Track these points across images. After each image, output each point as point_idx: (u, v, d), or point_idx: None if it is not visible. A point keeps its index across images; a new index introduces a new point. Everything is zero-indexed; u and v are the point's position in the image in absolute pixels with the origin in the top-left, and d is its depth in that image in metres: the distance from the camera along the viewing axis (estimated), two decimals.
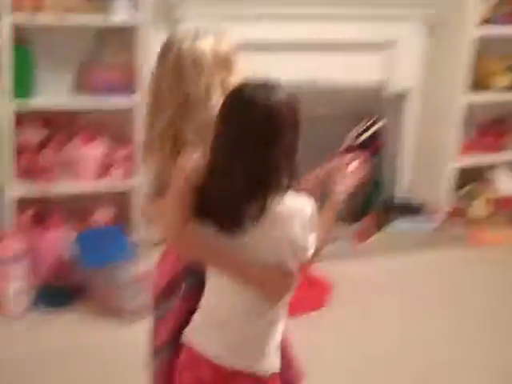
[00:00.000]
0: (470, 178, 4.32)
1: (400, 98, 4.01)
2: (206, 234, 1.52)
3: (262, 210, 1.47)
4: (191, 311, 1.65)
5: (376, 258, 3.74)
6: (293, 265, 1.56)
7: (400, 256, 3.78)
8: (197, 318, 1.65)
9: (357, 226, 3.82)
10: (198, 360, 1.61)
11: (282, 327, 1.64)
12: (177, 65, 1.61)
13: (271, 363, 1.63)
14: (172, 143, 1.62)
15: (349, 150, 3.78)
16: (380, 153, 3.91)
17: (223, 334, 1.58)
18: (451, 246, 3.92)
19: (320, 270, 3.38)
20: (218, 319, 1.59)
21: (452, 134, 4.04)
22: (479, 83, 4.02)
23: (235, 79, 1.62)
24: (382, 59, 3.93)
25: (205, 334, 1.61)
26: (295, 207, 1.53)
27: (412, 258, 3.80)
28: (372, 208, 3.98)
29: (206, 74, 1.60)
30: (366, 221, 3.86)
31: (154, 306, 1.80)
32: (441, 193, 4.13)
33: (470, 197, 4.23)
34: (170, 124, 1.62)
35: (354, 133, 3.83)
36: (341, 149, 3.81)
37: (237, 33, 1.78)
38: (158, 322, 1.78)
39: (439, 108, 4.09)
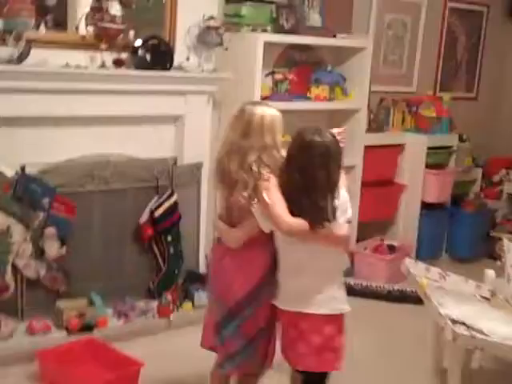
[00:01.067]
0: None
1: (194, 171, 4.11)
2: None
3: (334, 209, 2.38)
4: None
5: (182, 332, 3.74)
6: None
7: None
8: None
9: (161, 300, 3.84)
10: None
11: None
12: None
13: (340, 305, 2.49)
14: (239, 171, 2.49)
15: (148, 222, 3.85)
16: (177, 225, 4.01)
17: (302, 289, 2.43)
18: None
19: (127, 348, 3.34)
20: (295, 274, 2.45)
21: None
22: None
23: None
24: (174, 133, 4.05)
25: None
26: (343, 199, 2.46)
27: None
28: (174, 281, 4.03)
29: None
30: (170, 294, 3.90)
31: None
32: None
33: None
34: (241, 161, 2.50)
35: (150, 207, 3.90)
36: (141, 222, 3.85)
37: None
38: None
39: None
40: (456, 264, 5.36)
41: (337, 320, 2.47)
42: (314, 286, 2.43)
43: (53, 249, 3.52)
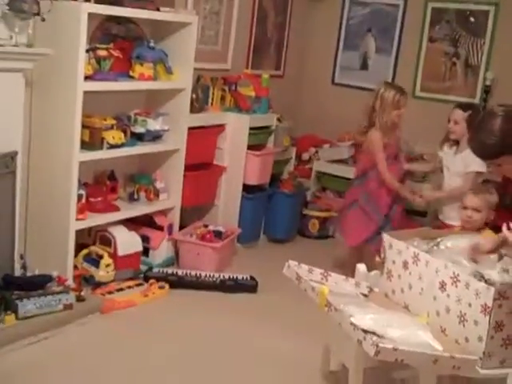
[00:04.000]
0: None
1: (7, 161, 3.54)
2: None
3: None
4: None
5: (8, 351, 3.24)
6: None
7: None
8: None
9: None
10: None
11: None
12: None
13: None
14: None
15: None
16: None
17: None
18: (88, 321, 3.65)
19: None
20: None
21: (70, 195, 3.75)
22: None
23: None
24: None
25: None
26: None
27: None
28: None
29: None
30: None
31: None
32: (64, 259, 3.80)
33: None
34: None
35: None
36: None
37: None
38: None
39: (50, 169, 3.78)
40: (273, 245, 5.35)
41: None
42: None
43: None
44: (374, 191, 4.33)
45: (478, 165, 3.86)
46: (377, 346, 2.23)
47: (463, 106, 4.14)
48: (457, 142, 4.10)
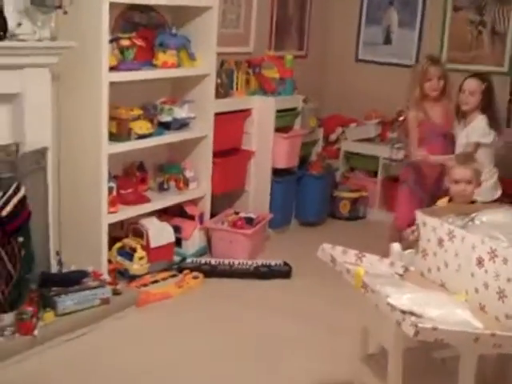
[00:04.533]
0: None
1: (39, 158, 3.50)
2: None
3: None
4: None
5: (47, 348, 3.23)
6: None
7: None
8: None
9: (19, 314, 3.26)
10: None
11: None
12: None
13: None
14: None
15: None
16: (27, 223, 3.42)
17: None
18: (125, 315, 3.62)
19: None
20: None
21: (100, 188, 3.71)
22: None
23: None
24: (11, 115, 3.41)
25: None
26: None
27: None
28: (28, 288, 3.44)
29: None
30: (28, 305, 3.32)
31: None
32: (98, 253, 3.77)
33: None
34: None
35: None
36: None
37: None
38: None
39: (80, 162, 3.74)
40: (305, 228, 5.29)
41: None
42: None
43: None
44: (420, 170, 4.19)
45: (479, 135, 3.77)
46: (416, 326, 2.17)
47: (478, 77, 3.99)
48: (464, 115, 3.98)
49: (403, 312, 2.31)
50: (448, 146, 4.10)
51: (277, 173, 5.00)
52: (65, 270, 3.63)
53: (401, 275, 2.82)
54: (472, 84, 3.93)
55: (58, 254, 3.69)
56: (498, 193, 3.93)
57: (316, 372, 3.18)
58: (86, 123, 3.69)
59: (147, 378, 3.10)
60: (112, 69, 3.69)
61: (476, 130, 3.84)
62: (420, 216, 2.82)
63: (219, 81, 4.56)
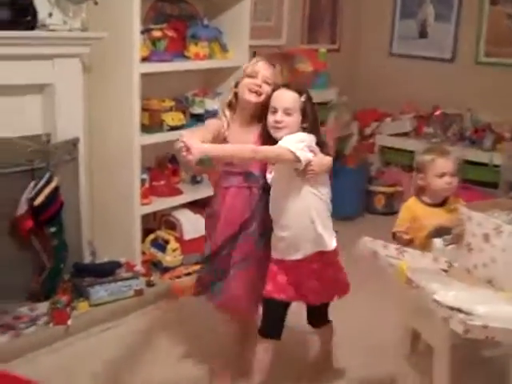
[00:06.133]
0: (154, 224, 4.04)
1: (70, 148, 3.51)
2: None
3: None
4: None
5: (81, 338, 3.22)
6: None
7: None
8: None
9: (54, 303, 3.25)
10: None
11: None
12: None
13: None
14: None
15: (27, 213, 3.19)
16: (60, 213, 3.42)
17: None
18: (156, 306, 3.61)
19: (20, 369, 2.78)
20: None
21: (133, 180, 3.70)
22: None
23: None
24: (42, 105, 3.43)
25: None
26: None
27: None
28: (61, 278, 3.44)
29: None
30: (62, 294, 3.32)
31: None
32: (131, 245, 3.75)
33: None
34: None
35: (28, 195, 3.26)
36: (18, 213, 3.20)
37: None
38: None
39: (113, 153, 3.73)
40: (340, 222, 5.17)
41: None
42: None
43: None
44: None
45: None
46: (465, 323, 2.09)
47: None
48: None
49: (451, 309, 2.22)
50: None
51: None
52: (98, 261, 3.62)
53: (445, 271, 2.73)
54: None
55: (90, 244, 3.69)
56: None
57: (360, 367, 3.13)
58: (118, 114, 3.68)
59: (180, 367, 3.06)
60: (143, 60, 3.67)
61: None
62: (464, 211, 2.72)
63: None
